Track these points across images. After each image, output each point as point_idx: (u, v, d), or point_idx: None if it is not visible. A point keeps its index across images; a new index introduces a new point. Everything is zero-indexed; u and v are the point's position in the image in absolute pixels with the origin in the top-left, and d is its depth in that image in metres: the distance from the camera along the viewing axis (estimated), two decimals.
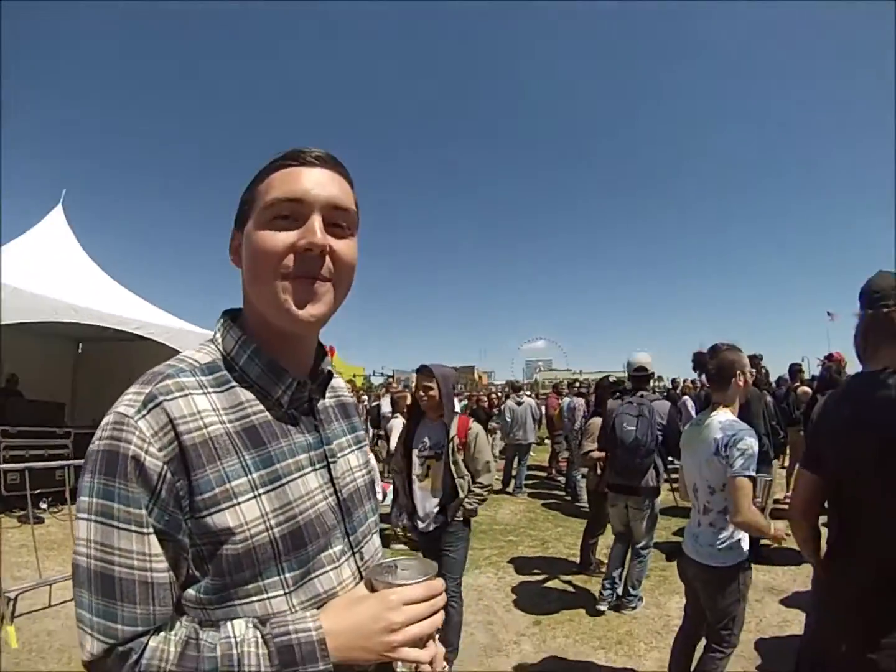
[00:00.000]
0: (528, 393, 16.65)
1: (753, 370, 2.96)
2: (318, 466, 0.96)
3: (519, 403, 10.58)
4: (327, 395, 1.09)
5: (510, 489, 10.08)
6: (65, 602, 4.65)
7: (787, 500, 7.93)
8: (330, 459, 0.99)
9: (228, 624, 0.81)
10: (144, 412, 0.80)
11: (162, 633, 0.79)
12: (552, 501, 9.44)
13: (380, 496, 6.54)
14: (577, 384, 13.83)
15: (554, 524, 7.85)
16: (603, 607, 4.64)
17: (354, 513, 1.01)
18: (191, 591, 0.83)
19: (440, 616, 0.88)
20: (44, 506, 7.25)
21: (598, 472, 5.25)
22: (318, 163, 0.92)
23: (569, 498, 9.40)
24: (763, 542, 5.86)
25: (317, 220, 0.88)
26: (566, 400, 10.70)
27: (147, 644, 0.77)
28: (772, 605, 4.75)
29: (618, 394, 5.14)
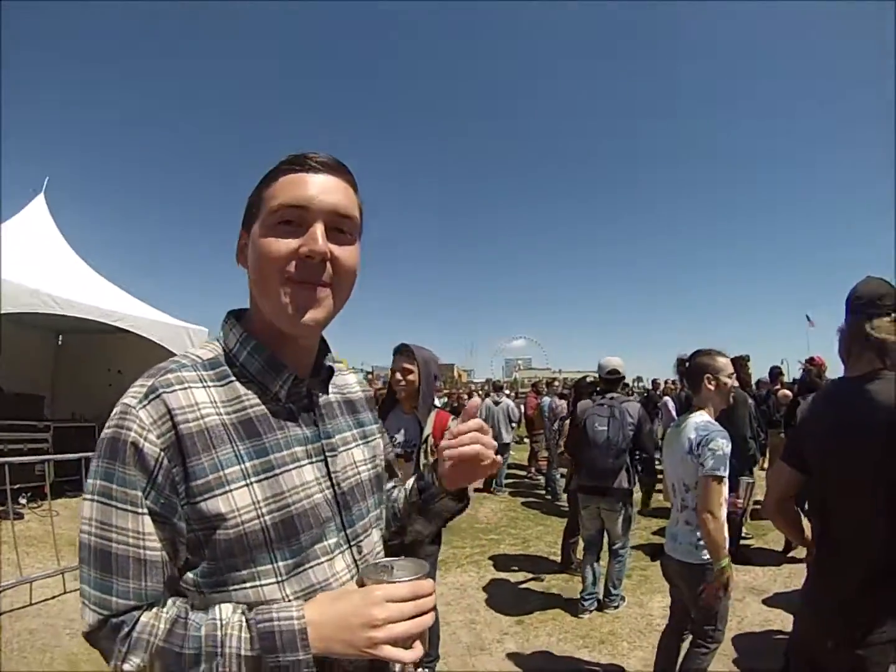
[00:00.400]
0: (508, 392, 16.70)
1: (733, 375, 2.99)
2: (314, 459, 0.98)
3: (496, 403, 10.62)
4: (332, 390, 1.12)
5: (491, 488, 10.11)
6: (46, 600, 4.59)
7: None
8: (328, 453, 1.01)
9: (217, 607, 0.85)
10: (145, 402, 0.85)
11: (154, 610, 0.84)
12: (532, 500, 9.50)
13: None
14: (556, 383, 13.87)
15: (535, 523, 7.90)
16: (586, 616, 4.65)
17: (354, 506, 1.03)
18: (189, 575, 0.88)
19: (428, 618, 0.87)
20: (23, 501, 7.13)
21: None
22: (322, 168, 0.94)
23: (549, 497, 9.46)
24: (743, 542, 5.97)
25: (319, 228, 0.91)
26: (546, 399, 10.73)
27: (139, 619, 0.82)
28: (753, 605, 4.82)
29: (593, 393, 5.14)
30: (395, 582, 0.87)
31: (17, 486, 6.31)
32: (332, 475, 1.00)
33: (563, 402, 9.75)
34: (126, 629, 0.82)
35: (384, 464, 1.22)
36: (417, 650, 0.86)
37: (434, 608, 0.89)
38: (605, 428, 4.59)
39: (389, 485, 1.30)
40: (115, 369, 10.06)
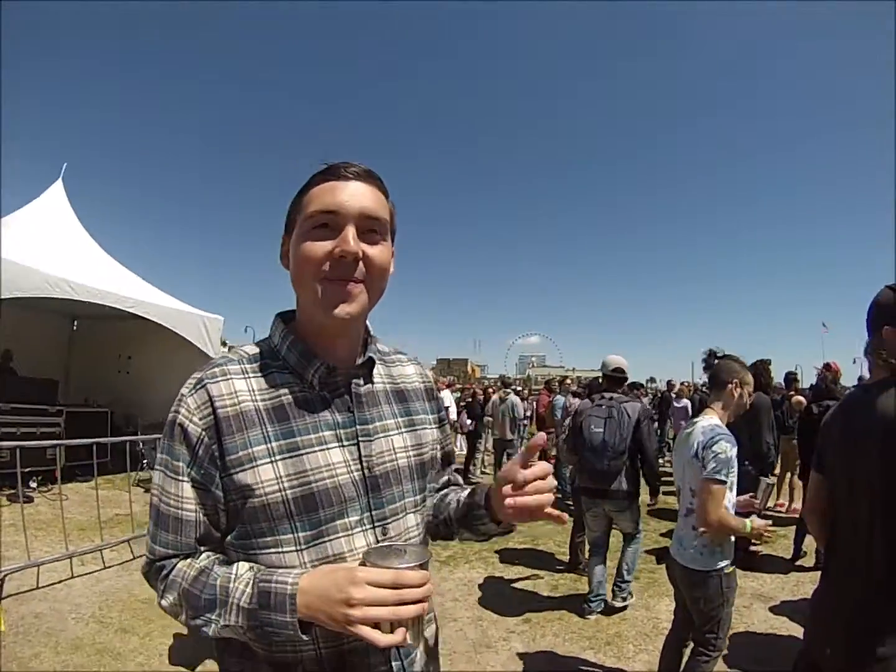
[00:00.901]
0: (519, 390, 16.67)
1: (752, 395, 2.99)
2: (345, 443, 1.07)
3: (502, 400, 10.61)
4: (382, 380, 1.21)
5: None
6: (52, 584, 4.62)
7: (778, 507, 8.03)
8: (361, 438, 1.08)
9: (237, 564, 0.99)
10: (193, 391, 1.03)
11: (189, 559, 1.02)
12: None
13: None
14: (569, 381, 13.76)
15: (544, 521, 7.79)
16: (592, 618, 4.62)
17: (384, 490, 1.09)
18: (229, 538, 1.03)
19: (412, 609, 0.88)
20: (33, 485, 7.17)
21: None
22: (352, 177, 1.05)
23: (559, 495, 9.42)
24: (751, 548, 5.91)
25: (350, 230, 1.01)
26: (559, 398, 10.66)
27: (176, 565, 1.01)
28: (759, 612, 4.78)
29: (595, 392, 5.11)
30: (381, 566, 0.90)
31: (28, 469, 6.34)
32: (364, 459, 1.07)
33: (577, 401, 9.71)
34: (165, 572, 1.01)
35: (436, 453, 1.29)
36: (396, 636, 0.87)
37: (424, 601, 0.90)
38: (601, 430, 4.58)
39: (443, 479, 1.39)
40: (129, 355, 10.12)
